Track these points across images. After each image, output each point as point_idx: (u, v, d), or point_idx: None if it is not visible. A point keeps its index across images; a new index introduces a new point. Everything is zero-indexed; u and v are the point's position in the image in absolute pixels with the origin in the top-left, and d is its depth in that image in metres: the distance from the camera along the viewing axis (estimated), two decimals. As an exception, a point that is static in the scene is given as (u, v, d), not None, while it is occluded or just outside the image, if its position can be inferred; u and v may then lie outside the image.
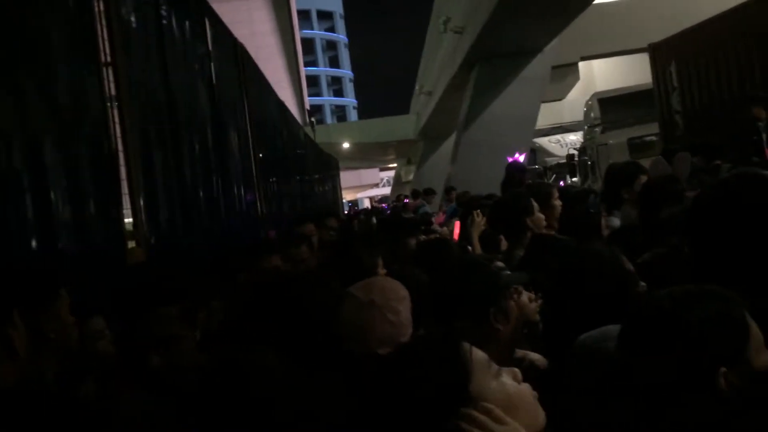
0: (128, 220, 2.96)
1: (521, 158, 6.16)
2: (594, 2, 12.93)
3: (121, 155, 2.90)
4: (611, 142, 13.88)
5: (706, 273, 1.43)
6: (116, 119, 2.90)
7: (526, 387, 1.07)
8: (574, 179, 15.87)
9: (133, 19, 3.21)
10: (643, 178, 3.25)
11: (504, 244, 3.36)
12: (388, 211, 16.89)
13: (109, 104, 2.86)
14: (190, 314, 1.72)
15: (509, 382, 1.05)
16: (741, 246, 1.45)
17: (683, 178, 3.60)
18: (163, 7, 3.62)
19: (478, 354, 1.05)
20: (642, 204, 2.87)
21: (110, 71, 2.92)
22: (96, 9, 2.87)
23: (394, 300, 1.71)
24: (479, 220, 3.77)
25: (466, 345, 1.05)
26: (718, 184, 1.61)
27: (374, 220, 10.48)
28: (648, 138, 13.09)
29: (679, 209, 2.28)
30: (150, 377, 1.60)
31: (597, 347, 1.40)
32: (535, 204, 3.09)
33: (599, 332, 1.44)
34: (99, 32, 2.84)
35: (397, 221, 4.48)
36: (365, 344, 1.65)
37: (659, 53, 11.56)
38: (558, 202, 3.33)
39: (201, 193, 4.03)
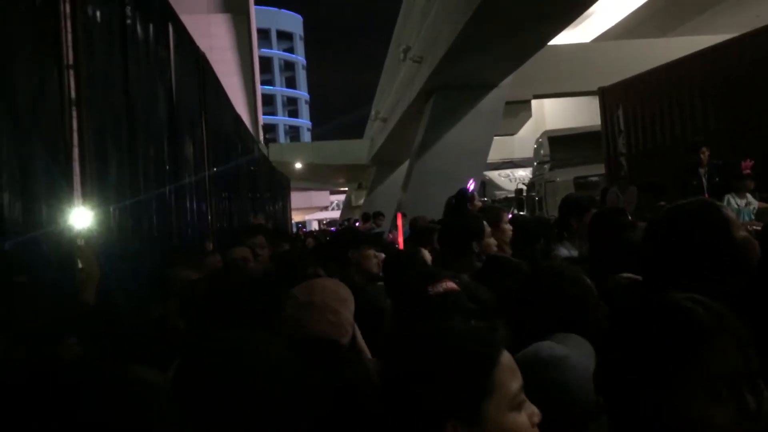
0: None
1: (471, 186, 6.26)
2: (549, 44, 13.37)
3: (76, 157, 2.84)
4: (558, 179, 14.27)
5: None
6: (74, 121, 2.85)
7: None
8: (522, 214, 16.20)
9: (98, 19, 3.16)
10: (594, 211, 3.35)
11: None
12: (333, 231, 16.85)
13: (69, 106, 2.81)
14: None
15: (523, 421, 1.02)
16: (694, 269, 1.51)
17: (630, 210, 3.72)
18: (128, 7, 3.58)
19: (514, 376, 1.03)
20: (591, 233, 2.96)
21: (71, 73, 2.87)
22: (62, 9, 2.82)
23: (334, 301, 1.73)
24: (427, 256, 3.77)
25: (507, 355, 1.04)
26: (673, 210, 1.67)
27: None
28: (593, 178, 13.52)
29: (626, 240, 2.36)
30: None
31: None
32: (487, 229, 3.14)
33: (531, 348, 1.44)
34: (64, 33, 2.80)
35: (348, 233, 4.46)
36: (311, 342, 1.65)
37: (608, 97, 12.01)
38: (508, 226, 3.40)
39: (153, 201, 3.96)
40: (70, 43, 2.84)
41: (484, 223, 3.15)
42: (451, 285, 1.66)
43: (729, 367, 1.02)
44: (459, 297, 1.64)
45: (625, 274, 1.81)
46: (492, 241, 3.17)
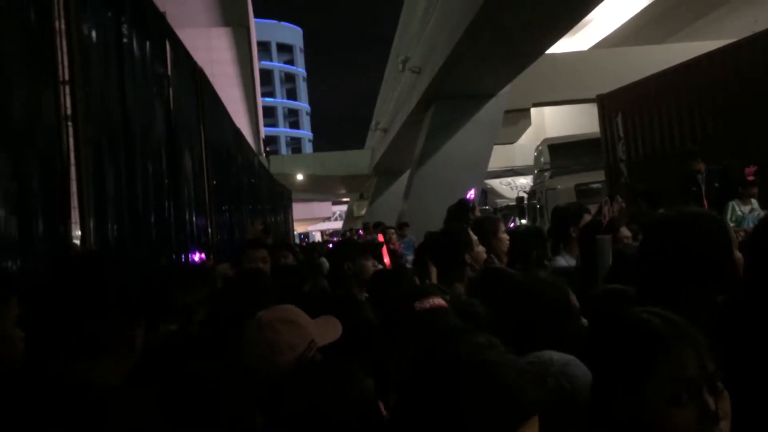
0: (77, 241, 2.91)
1: (471, 195, 6.24)
2: (546, 52, 13.42)
3: (73, 173, 2.86)
4: (559, 187, 14.25)
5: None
6: (71, 136, 2.87)
7: None
8: (523, 221, 16.20)
9: (93, 36, 3.19)
10: (587, 217, 3.37)
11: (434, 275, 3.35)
12: (335, 240, 16.76)
13: (65, 122, 2.82)
14: None
15: None
16: (691, 284, 1.51)
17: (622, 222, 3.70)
18: (125, 26, 3.61)
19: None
20: (581, 243, 2.97)
21: (67, 89, 2.89)
22: (57, 26, 2.85)
23: (278, 320, 1.74)
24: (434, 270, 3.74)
25: None
26: (675, 221, 1.68)
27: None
28: (594, 185, 13.52)
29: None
30: None
31: None
32: (474, 238, 3.14)
33: (540, 353, 1.46)
34: (59, 50, 2.82)
35: (343, 245, 4.47)
36: (249, 360, 1.70)
37: (607, 104, 12.02)
38: (505, 236, 3.41)
39: (152, 216, 3.97)
40: (66, 62, 2.87)
41: (470, 233, 3.15)
42: (438, 302, 1.65)
43: (687, 372, 1.09)
44: (446, 313, 1.63)
45: (611, 285, 1.82)
46: (481, 248, 3.17)
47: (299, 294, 2.78)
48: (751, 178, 6.64)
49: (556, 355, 1.40)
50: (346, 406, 1.32)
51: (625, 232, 2.99)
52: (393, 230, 10.25)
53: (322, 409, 1.32)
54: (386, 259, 3.72)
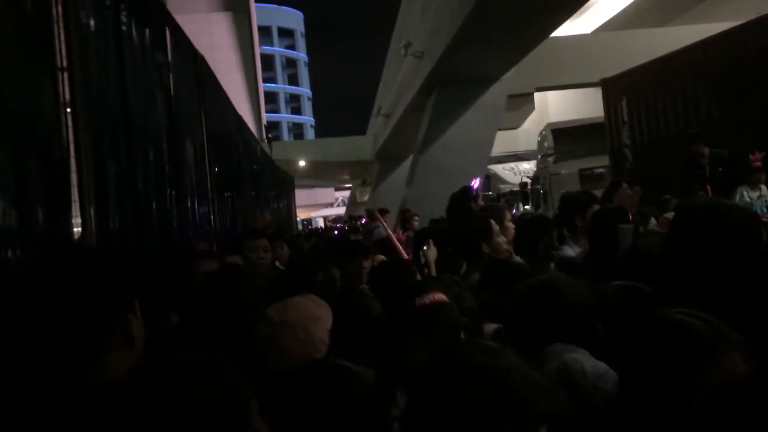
0: (77, 229, 2.87)
1: (475, 184, 6.20)
2: (550, 36, 13.30)
3: (72, 162, 2.82)
4: (563, 172, 14.20)
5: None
6: (69, 124, 2.83)
7: None
8: (527, 207, 16.16)
9: (91, 23, 3.14)
10: (595, 207, 3.32)
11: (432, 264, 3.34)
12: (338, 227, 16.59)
13: (63, 109, 2.78)
14: None
15: None
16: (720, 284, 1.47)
17: (632, 210, 3.68)
18: (123, 13, 3.55)
19: None
20: (591, 234, 2.93)
21: (65, 76, 2.85)
22: (54, 12, 2.80)
23: (307, 319, 1.80)
24: (432, 248, 3.73)
25: None
26: (711, 216, 1.62)
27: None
28: (598, 170, 13.46)
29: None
30: None
31: None
32: (495, 227, 3.11)
33: (569, 361, 1.42)
34: (56, 36, 2.78)
35: (346, 245, 4.50)
36: (277, 362, 1.73)
37: (611, 88, 11.93)
38: (511, 224, 3.38)
39: (153, 204, 3.94)
40: (63, 49, 2.82)
41: (492, 222, 3.12)
42: (439, 297, 1.63)
43: (733, 377, 1.06)
44: (447, 308, 1.62)
45: (624, 282, 1.78)
46: (502, 239, 3.15)
47: (313, 284, 2.80)
48: (758, 164, 6.59)
49: (588, 365, 1.36)
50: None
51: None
52: (416, 217, 9.41)
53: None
54: (401, 250, 3.70)
